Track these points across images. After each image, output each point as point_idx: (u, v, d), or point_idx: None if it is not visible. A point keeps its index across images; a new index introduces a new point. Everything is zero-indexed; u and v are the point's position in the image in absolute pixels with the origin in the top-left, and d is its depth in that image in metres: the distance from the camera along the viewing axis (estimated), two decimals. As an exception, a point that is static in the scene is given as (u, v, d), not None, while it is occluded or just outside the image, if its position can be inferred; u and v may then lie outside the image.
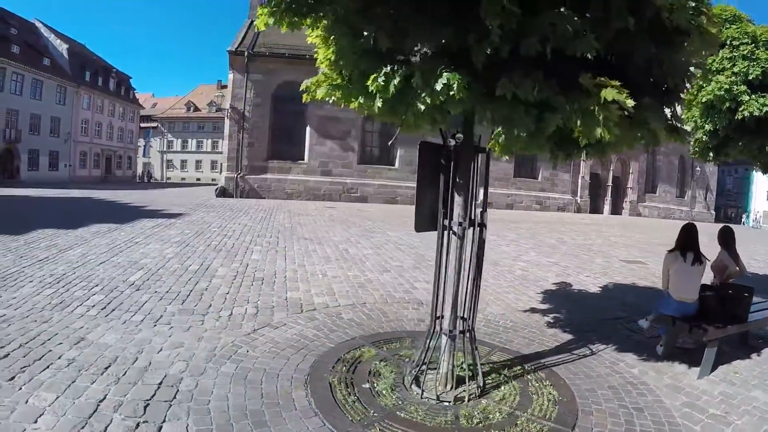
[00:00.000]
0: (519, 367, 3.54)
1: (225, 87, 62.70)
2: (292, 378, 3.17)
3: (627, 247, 12.22)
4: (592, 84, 2.21)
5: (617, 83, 2.17)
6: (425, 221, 3.17)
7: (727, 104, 5.50)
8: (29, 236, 7.92)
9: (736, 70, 5.51)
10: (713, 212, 39.30)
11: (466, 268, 3.06)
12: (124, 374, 3.02)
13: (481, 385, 3.04)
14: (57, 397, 2.65)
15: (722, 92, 5.50)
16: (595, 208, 29.73)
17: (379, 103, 2.54)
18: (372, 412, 2.76)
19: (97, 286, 5.12)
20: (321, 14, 2.80)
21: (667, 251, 4.21)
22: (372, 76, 2.46)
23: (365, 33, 2.52)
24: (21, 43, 33.28)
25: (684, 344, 4.17)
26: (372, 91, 2.51)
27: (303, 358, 3.53)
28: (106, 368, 3.08)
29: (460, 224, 2.98)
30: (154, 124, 57.64)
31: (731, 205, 44.72)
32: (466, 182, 3.00)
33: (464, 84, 2.24)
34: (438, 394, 2.93)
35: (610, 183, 30.52)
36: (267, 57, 19.33)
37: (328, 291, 5.63)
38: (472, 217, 3.06)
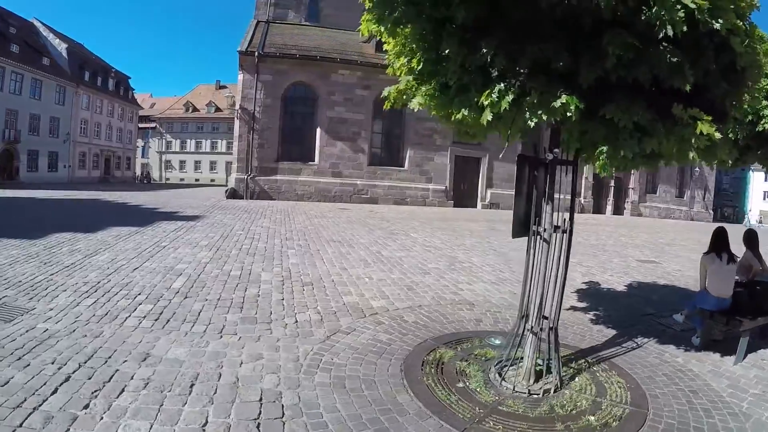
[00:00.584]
0: (582, 360, 3.80)
1: (224, 87, 62.89)
2: (389, 383, 3.20)
3: (637, 247, 12.41)
4: (685, 115, 2.48)
5: (709, 117, 2.45)
6: (520, 228, 3.25)
7: (750, 117, 5.95)
8: (47, 240, 7.71)
9: (758, 86, 5.97)
10: (711, 212, 39.78)
11: (552, 271, 3.20)
12: (215, 392, 2.88)
13: (560, 377, 3.26)
14: (152, 426, 2.46)
15: (746, 107, 5.95)
16: (598, 208, 29.98)
17: (489, 117, 2.64)
18: (477, 408, 2.90)
19: (140, 294, 4.94)
20: (427, 29, 2.89)
21: (703, 254, 4.60)
22: (485, 93, 2.60)
23: (484, 50, 2.59)
24: (20, 42, 32.88)
25: (713, 336, 4.54)
26: (481, 104, 2.64)
27: (389, 362, 3.57)
28: (191, 387, 2.93)
29: (546, 230, 3.16)
30: (152, 125, 57.19)
31: (728, 204, 45.28)
32: (555, 192, 3.16)
33: (578, 105, 2.43)
34: (528, 387, 3.14)
35: (612, 184, 30.82)
36: (278, 58, 19.29)
37: (381, 294, 5.66)
38: (559, 224, 3.21)
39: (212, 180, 54.33)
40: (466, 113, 2.83)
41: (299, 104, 20.36)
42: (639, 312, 5.61)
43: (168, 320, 4.21)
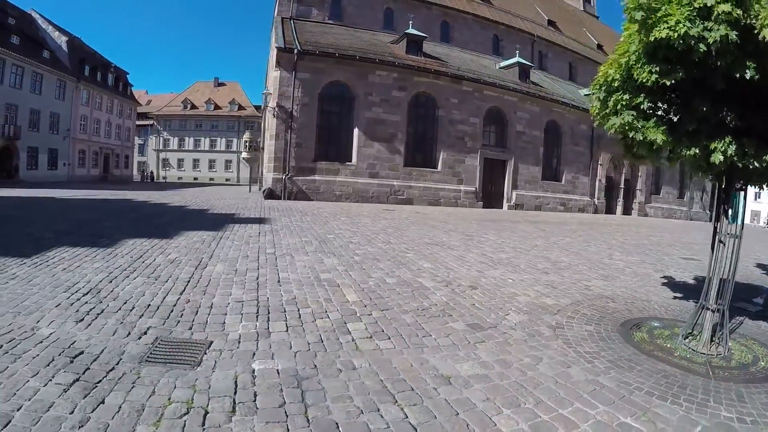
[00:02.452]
0: (735, 333, 4.52)
1: (223, 84, 61.66)
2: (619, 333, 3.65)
3: (671, 245, 12.83)
4: None
5: None
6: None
7: None
8: (124, 248, 6.85)
9: None
10: (708, 212, 41.12)
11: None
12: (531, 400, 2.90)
13: (728, 345, 3.97)
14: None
15: None
16: (609, 209, 30.59)
17: (720, 158, 3.32)
18: (674, 358, 3.76)
19: (335, 311, 4.44)
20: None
21: None
22: (714, 144, 3.36)
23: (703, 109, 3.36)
24: (19, 33, 31.45)
25: None
26: (713, 148, 3.37)
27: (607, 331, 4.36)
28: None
29: (725, 236, 3.93)
30: (149, 122, 55.58)
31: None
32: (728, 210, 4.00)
33: None
34: (707, 351, 3.84)
35: (622, 185, 31.54)
36: (316, 56, 18.94)
37: (549, 292, 5.88)
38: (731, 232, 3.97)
39: (211, 179, 53.26)
40: (695, 152, 3.51)
41: (335, 103, 20.07)
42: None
43: (390, 337, 3.85)
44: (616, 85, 3.72)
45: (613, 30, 46.31)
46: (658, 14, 3.11)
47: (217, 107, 56.32)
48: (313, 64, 19.07)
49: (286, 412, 2.59)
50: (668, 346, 3.98)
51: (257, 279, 5.47)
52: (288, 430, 2.43)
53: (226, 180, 56.70)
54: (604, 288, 6.36)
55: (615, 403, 2.86)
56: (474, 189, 22.90)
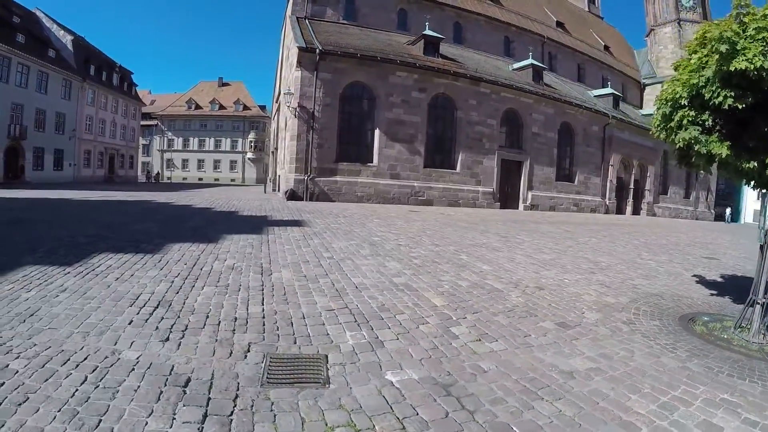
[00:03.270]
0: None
1: (227, 84, 61.31)
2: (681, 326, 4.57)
3: (690, 245, 13.30)
4: None
5: None
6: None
7: None
8: (172, 255, 6.48)
9: None
10: (713, 212, 41.58)
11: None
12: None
13: None
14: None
15: None
16: (619, 209, 30.75)
17: None
18: (733, 345, 4.15)
19: (478, 326, 4.28)
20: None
21: None
22: None
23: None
24: (24, 32, 31.03)
25: None
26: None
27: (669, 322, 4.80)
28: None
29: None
30: (153, 122, 55.09)
31: (723, 204, 47.26)
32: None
33: None
34: (758, 341, 4.17)
35: (631, 186, 31.72)
36: (338, 56, 18.83)
37: (606, 291, 6.11)
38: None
39: (216, 179, 52.92)
40: (755, 164, 3.98)
41: (355, 104, 19.97)
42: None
43: (531, 346, 3.96)
44: (683, 102, 4.17)
45: (617, 31, 46.58)
46: (737, 47, 3.59)
47: (221, 107, 55.97)
48: (334, 65, 18.95)
49: (456, 421, 2.58)
50: (725, 336, 4.36)
51: (333, 285, 5.35)
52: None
53: (231, 180, 56.35)
54: (649, 286, 6.67)
55: (709, 383, 3.27)
56: (491, 190, 22.90)
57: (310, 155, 18.66)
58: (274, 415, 2.53)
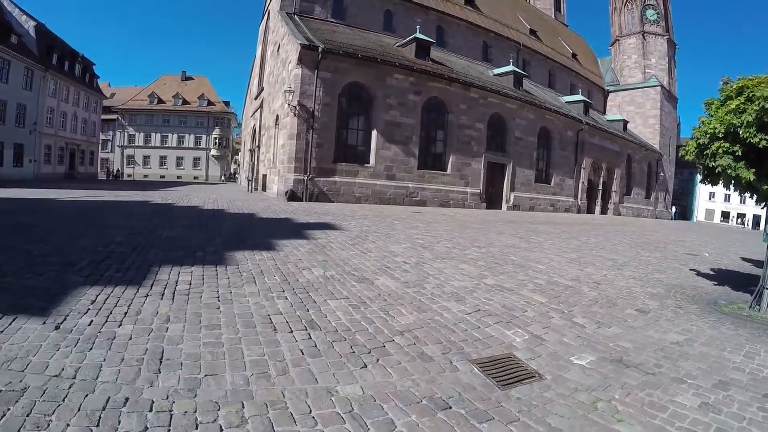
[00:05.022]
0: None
1: (190, 79, 59.11)
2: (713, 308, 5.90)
3: (672, 243, 14.99)
4: None
5: None
6: None
7: None
8: (244, 264, 5.98)
9: None
10: (670, 211, 44.99)
11: None
12: None
13: None
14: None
15: None
16: (589, 209, 32.65)
17: None
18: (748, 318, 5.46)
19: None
20: None
21: None
22: None
23: None
24: (-19, 17, 28.82)
25: None
26: None
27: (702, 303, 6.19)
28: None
29: None
30: (113, 116, 52.17)
31: (678, 203, 51.37)
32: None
33: None
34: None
35: (600, 187, 33.74)
36: (339, 56, 18.89)
37: (644, 284, 7.20)
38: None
39: (178, 176, 50.87)
40: None
41: (353, 105, 20.11)
42: (749, 281, 7.71)
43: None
44: (720, 135, 5.38)
45: (582, 38, 49.02)
46: None
47: (185, 102, 53.99)
48: (334, 64, 19.00)
49: (637, 378, 3.47)
50: (746, 314, 5.55)
51: (442, 288, 5.61)
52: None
53: (195, 178, 54.34)
54: (669, 279, 7.87)
55: (760, 344, 4.41)
56: (479, 191, 23.73)
57: (309, 155, 18.63)
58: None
